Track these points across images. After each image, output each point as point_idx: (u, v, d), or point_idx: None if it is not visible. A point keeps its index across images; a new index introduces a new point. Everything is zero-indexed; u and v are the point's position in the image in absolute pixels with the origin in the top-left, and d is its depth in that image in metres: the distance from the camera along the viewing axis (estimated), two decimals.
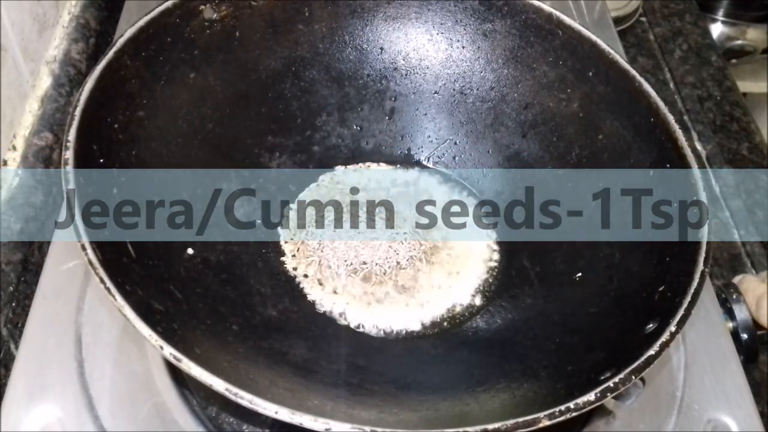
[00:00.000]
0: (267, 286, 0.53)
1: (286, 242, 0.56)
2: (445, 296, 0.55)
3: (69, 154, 0.42)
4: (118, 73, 0.48)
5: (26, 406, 0.47)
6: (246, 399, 0.35)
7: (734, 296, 0.59)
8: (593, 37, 0.56)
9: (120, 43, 0.49)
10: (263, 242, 0.56)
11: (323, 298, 0.53)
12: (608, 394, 0.38)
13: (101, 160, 0.45)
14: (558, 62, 0.57)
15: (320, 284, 0.54)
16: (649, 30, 0.96)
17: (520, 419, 0.36)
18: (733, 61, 1.11)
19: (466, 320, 0.54)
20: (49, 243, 0.56)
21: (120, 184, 0.46)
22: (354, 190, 0.60)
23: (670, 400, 0.52)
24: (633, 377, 0.39)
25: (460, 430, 0.35)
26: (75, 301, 0.52)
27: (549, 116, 0.58)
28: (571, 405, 0.37)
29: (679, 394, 0.52)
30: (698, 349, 0.55)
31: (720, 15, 1.14)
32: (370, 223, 0.56)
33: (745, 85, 1.00)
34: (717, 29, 1.14)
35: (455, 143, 0.62)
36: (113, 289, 0.38)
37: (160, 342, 0.37)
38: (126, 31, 0.50)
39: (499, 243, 0.58)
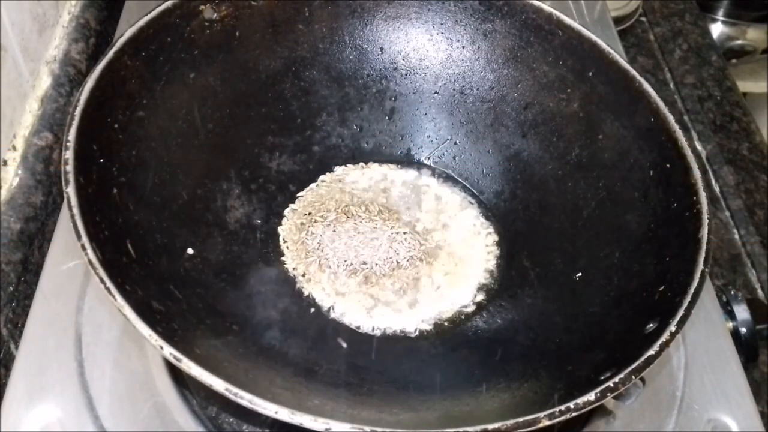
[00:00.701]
0: (267, 286, 0.53)
1: (285, 242, 0.56)
2: (445, 296, 0.55)
3: (69, 154, 0.42)
4: (118, 73, 0.48)
5: (26, 406, 0.47)
6: (246, 399, 0.36)
7: (734, 296, 0.59)
8: (593, 37, 0.56)
9: (120, 43, 0.49)
10: (263, 242, 0.56)
11: (323, 298, 0.53)
12: (608, 394, 0.38)
13: (101, 160, 0.46)
14: (558, 62, 0.57)
15: (320, 284, 0.54)
16: (649, 30, 0.96)
17: (520, 419, 0.36)
18: (733, 61, 1.11)
19: (466, 320, 0.54)
20: (49, 243, 0.56)
21: (120, 184, 0.46)
22: (354, 190, 0.60)
23: (670, 400, 0.52)
24: (633, 377, 0.39)
25: (460, 430, 0.35)
26: (75, 301, 0.52)
27: (549, 116, 0.58)
28: (571, 405, 0.37)
29: (679, 394, 0.52)
30: (698, 349, 0.55)
31: (720, 15, 1.14)
32: (370, 223, 0.56)
33: (745, 85, 1.00)
34: (717, 29, 1.14)
35: (455, 143, 0.62)
36: (113, 289, 0.38)
37: (160, 342, 0.37)
38: (126, 31, 0.50)
39: (499, 243, 0.58)
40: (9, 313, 0.54)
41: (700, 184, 0.48)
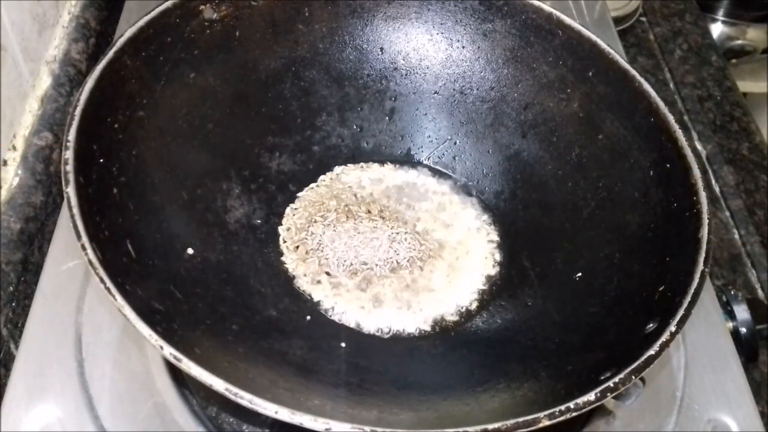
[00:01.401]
0: (267, 286, 0.53)
1: (285, 242, 0.56)
2: (445, 296, 0.55)
3: (69, 154, 0.42)
4: (118, 73, 0.48)
5: (26, 406, 0.47)
6: (246, 399, 0.36)
7: (734, 296, 0.59)
8: (593, 37, 0.56)
9: (120, 43, 0.49)
10: (263, 242, 0.56)
11: (323, 298, 0.53)
12: (608, 394, 0.38)
13: (101, 160, 0.46)
14: (558, 62, 0.57)
15: (320, 284, 0.54)
16: (649, 30, 0.96)
17: (520, 419, 0.36)
18: (733, 61, 1.11)
19: (466, 320, 0.54)
20: (49, 243, 0.56)
21: (120, 184, 0.46)
22: (354, 190, 0.60)
23: (670, 400, 0.52)
24: (633, 377, 0.39)
25: (460, 430, 0.35)
26: (75, 301, 0.52)
27: (549, 116, 0.58)
28: (571, 405, 0.37)
29: (679, 394, 0.52)
30: (698, 349, 0.55)
31: (720, 15, 1.14)
32: (370, 223, 0.56)
33: (745, 85, 1.00)
34: (717, 29, 1.14)
35: (455, 143, 0.62)
36: (113, 289, 0.38)
37: (160, 342, 0.37)
38: (126, 31, 0.50)
39: (499, 243, 0.58)
40: (9, 313, 0.54)
41: (700, 184, 0.48)
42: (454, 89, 0.62)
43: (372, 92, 0.62)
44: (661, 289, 0.46)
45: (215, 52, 0.55)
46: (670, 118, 0.52)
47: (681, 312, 0.42)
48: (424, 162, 0.63)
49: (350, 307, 0.53)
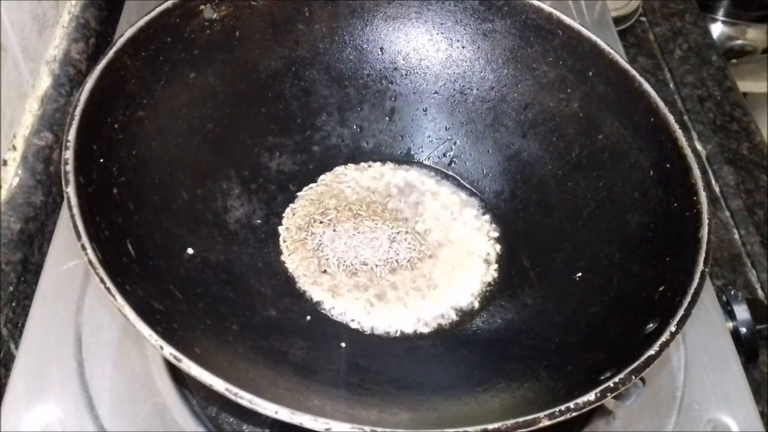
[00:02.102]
0: (267, 286, 0.53)
1: (285, 242, 0.56)
2: (444, 296, 0.55)
3: (69, 154, 0.42)
4: (118, 73, 0.48)
5: (26, 406, 0.47)
6: (246, 399, 0.36)
7: (734, 296, 0.59)
8: (593, 37, 0.56)
9: (120, 43, 0.49)
10: (263, 242, 0.56)
11: (323, 298, 0.53)
12: (608, 394, 0.38)
13: (101, 160, 0.46)
14: (558, 62, 0.57)
15: (320, 284, 0.54)
16: (649, 30, 0.96)
17: (520, 419, 0.36)
18: (733, 61, 1.11)
19: (466, 320, 0.54)
20: (49, 243, 0.56)
21: (120, 184, 0.46)
22: (354, 190, 0.60)
23: (670, 400, 0.52)
24: (633, 377, 0.39)
25: (460, 430, 0.35)
26: (75, 301, 0.52)
27: (549, 116, 0.58)
28: (571, 405, 0.37)
29: (679, 394, 0.52)
30: (698, 349, 0.55)
31: (720, 15, 1.14)
32: (370, 223, 0.56)
33: (745, 85, 1.00)
34: (717, 29, 1.14)
35: (455, 143, 0.62)
36: (113, 289, 0.38)
37: (160, 342, 0.37)
38: (126, 31, 0.50)
39: (499, 243, 0.58)
40: (9, 313, 0.54)
41: (700, 184, 0.48)
42: (454, 89, 0.62)
43: (372, 92, 0.62)
44: (661, 289, 0.46)
45: (215, 52, 0.55)
46: (670, 118, 0.52)
47: (681, 312, 0.42)
48: (424, 162, 0.63)
49: (350, 307, 0.53)
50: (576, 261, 0.53)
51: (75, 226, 0.40)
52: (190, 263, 0.49)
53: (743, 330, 0.58)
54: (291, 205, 0.59)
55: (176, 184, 0.52)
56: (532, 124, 0.59)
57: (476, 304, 0.55)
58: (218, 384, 0.36)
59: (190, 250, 0.50)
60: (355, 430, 0.35)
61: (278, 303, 0.52)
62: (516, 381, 0.46)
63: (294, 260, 0.55)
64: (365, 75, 0.62)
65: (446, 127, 0.62)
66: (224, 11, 0.55)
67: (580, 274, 0.53)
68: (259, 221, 0.56)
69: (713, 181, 0.80)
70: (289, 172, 0.60)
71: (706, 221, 0.46)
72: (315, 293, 0.53)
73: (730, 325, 0.58)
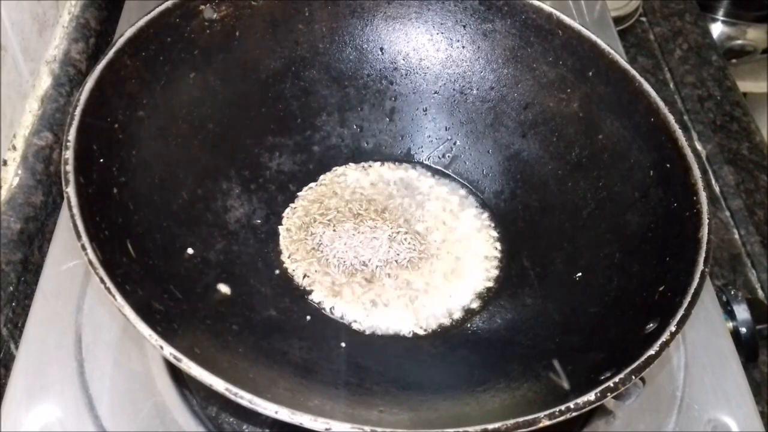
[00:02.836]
0: (267, 286, 0.53)
1: (285, 242, 0.56)
2: (445, 296, 0.55)
3: (69, 154, 0.42)
4: (118, 73, 0.48)
5: (26, 406, 0.47)
6: (246, 399, 0.36)
7: (734, 296, 0.59)
8: (593, 37, 0.56)
9: (120, 43, 0.49)
10: (263, 242, 0.56)
11: (323, 298, 0.53)
12: (608, 394, 0.38)
13: (101, 160, 0.46)
14: (558, 62, 0.57)
15: (320, 284, 0.54)
16: (649, 30, 0.96)
17: (520, 419, 0.36)
18: (733, 61, 1.11)
19: (466, 320, 0.54)
20: (49, 243, 0.56)
21: (120, 184, 0.46)
22: (354, 190, 0.60)
23: (670, 400, 0.52)
24: (633, 377, 0.39)
25: (460, 430, 0.35)
26: (75, 301, 0.52)
27: (549, 116, 0.58)
28: (571, 405, 0.37)
29: (679, 394, 0.52)
30: (698, 349, 0.55)
31: (720, 15, 1.14)
32: (370, 223, 0.56)
33: (745, 85, 1.00)
34: (717, 29, 1.14)
35: (455, 143, 0.62)
36: (113, 289, 0.38)
37: (160, 342, 0.37)
38: (126, 31, 0.50)
39: (499, 243, 0.58)
40: (9, 313, 0.54)
41: (700, 184, 0.48)
42: (454, 89, 0.62)
43: (372, 92, 0.62)
44: (661, 289, 0.46)
45: (215, 52, 0.55)
46: (670, 118, 0.51)
47: (681, 312, 0.42)
48: (424, 162, 0.63)
49: (350, 307, 0.53)
50: (576, 261, 0.53)
51: (75, 226, 0.40)
52: (190, 263, 0.49)
53: (743, 330, 0.58)
54: (291, 205, 0.59)
55: (176, 184, 0.52)
56: (532, 124, 0.59)
57: (476, 304, 0.55)
58: (218, 384, 0.36)
59: (190, 250, 0.50)
60: (355, 430, 0.35)
61: (278, 303, 0.52)
62: (516, 381, 0.46)
63: (294, 260, 0.55)
64: (365, 75, 0.62)
65: (446, 127, 0.62)
66: (224, 11, 0.55)
67: (580, 274, 0.53)
68: (259, 221, 0.56)
69: (713, 181, 0.80)
70: (289, 172, 0.60)
71: (706, 221, 0.46)
72: (315, 293, 0.53)
73: (730, 325, 0.58)
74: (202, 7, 0.54)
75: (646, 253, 0.49)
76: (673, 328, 0.41)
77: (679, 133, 0.51)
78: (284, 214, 0.58)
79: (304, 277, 0.54)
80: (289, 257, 0.55)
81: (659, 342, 0.40)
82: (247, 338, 0.47)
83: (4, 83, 0.57)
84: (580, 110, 0.57)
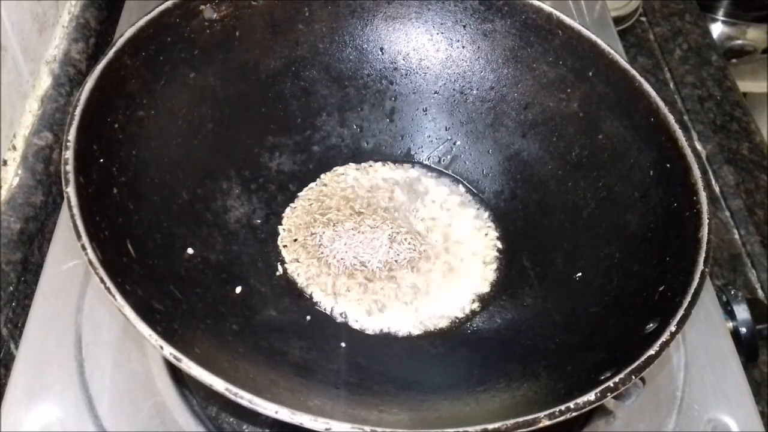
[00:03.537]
0: (267, 286, 0.53)
1: (285, 242, 0.56)
2: (444, 296, 0.55)
3: (69, 154, 0.42)
4: (118, 73, 0.48)
5: (26, 406, 0.47)
6: (246, 399, 0.36)
7: (734, 296, 0.59)
8: (593, 37, 0.56)
9: (120, 43, 0.49)
10: (263, 242, 0.56)
11: (323, 298, 0.53)
12: (608, 394, 0.38)
13: (101, 160, 0.46)
14: (558, 62, 0.57)
15: (320, 284, 0.54)
16: (649, 30, 0.96)
17: (520, 419, 0.36)
18: (733, 61, 1.11)
19: (466, 320, 0.54)
20: (49, 243, 0.56)
21: (120, 184, 0.46)
22: (354, 190, 0.60)
23: (670, 400, 0.52)
24: (633, 377, 0.39)
25: (460, 430, 0.35)
26: (75, 301, 0.52)
27: (549, 116, 0.58)
28: (571, 405, 0.37)
29: (679, 394, 0.52)
30: (698, 349, 0.55)
31: (720, 15, 1.14)
32: (370, 223, 0.56)
33: (745, 85, 1.00)
34: (717, 29, 1.14)
35: (455, 143, 0.62)
36: (113, 289, 0.38)
37: (160, 342, 0.37)
38: (126, 31, 0.50)
39: (499, 243, 0.58)
40: (9, 313, 0.54)
41: (700, 184, 0.48)
42: (454, 89, 0.62)
43: (372, 92, 0.62)
44: (661, 289, 0.46)
45: (215, 52, 0.55)
46: (670, 118, 0.51)
47: (681, 312, 0.42)
48: (424, 162, 0.63)
49: (350, 307, 0.53)
50: (576, 261, 0.53)
51: (75, 226, 0.40)
52: (190, 263, 0.49)
53: (743, 330, 0.58)
54: (291, 205, 0.59)
55: (176, 184, 0.52)
56: (532, 124, 0.59)
57: (476, 304, 0.55)
58: (218, 384, 0.36)
59: (190, 250, 0.50)
60: (355, 430, 0.35)
61: (278, 303, 0.52)
62: (516, 381, 0.46)
63: (294, 260, 0.55)
64: (365, 75, 0.62)
65: (446, 127, 0.62)
66: (224, 11, 0.55)
67: (580, 274, 0.53)
68: (259, 221, 0.56)
69: (713, 181, 0.80)
70: (289, 172, 0.60)
71: (706, 221, 0.46)
72: (315, 293, 0.53)
73: (730, 325, 0.58)
74: (202, 7, 0.54)
75: (646, 253, 0.49)
76: (673, 328, 0.41)
77: (679, 133, 0.51)
78: (284, 214, 0.58)
79: (304, 276, 0.54)
80: (289, 257, 0.55)
81: (659, 342, 0.40)
82: (247, 338, 0.47)
83: (4, 83, 0.57)
84: (580, 110, 0.57)
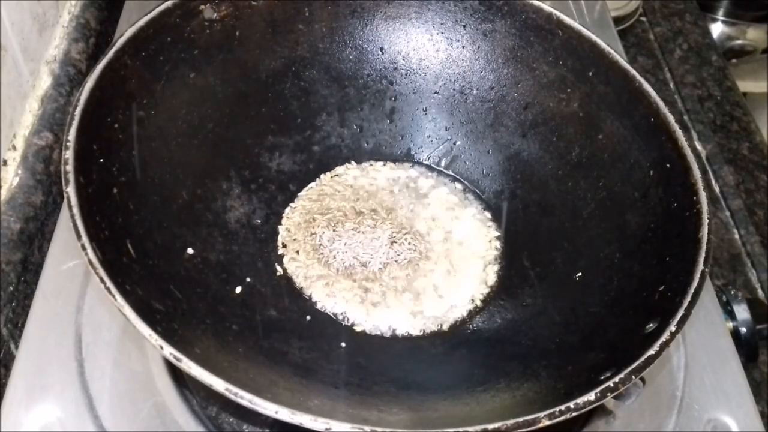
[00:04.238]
0: (267, 286, 0.53)
1: (285, 242, 0.56)
2: (444, 296, 0.55)
3: (69, 154, 0.42)
4: (118, 73, 0.48)
5: (26, 406, 0.47)
6: (246, 399, 0.36)
7: (734, 296, 0.59)
8: (593, 37, 0.56)
9: (120, 43, 0.49)
10: (263, 242, 0.56)
11: (323, 298, 0.53)
12: (608, 394, 0.38)
13: (101, 160, 0.46)
14: (558, 62, 0.57)
15: (320, 284, 0.54)
16: (649, 30, 0.96)
17: (520, 419, 0.36)
18: (733, 61, 1.11)
19: (467, 320, 0.54)
20: (49, 243, 0.56)
21: (120, 184, 0.46)
22: (354, 190, 0.60)
23: (670, 400, 0.52)
24: (633, 377, 0.39)
25: (460, 430, 0.35)
26: (75, 301, 0.52)
27: (549, 116, 0.58)
28: (571, 405, 0.37)
29: (679, 394, 0.52)
30: (698, 349, 0.55)
31: (720, 15, 1.14)
32: (371, 223, 0.56)
33: (745, 85, 1.00)
34: (717, 29, 1.14)
35: (455, 143, 0.62)
36: (113, 289, 0.38)
37: (160, 342, 0.37)
38: (126, 31, 0.50)
39: (498, 243, 0.58)
40: (9, 313, 0.54)
41: (700, 184, 0.48)
42: (454, 89, 0.62)
43: (372, 92, 0.62)
44: (661, 289, 0.46)
45: (215, 52, 0.55)
46: (670, 118, 0.51)
47: (681, 312, 0.42)
48: (424, 162, 0.63)
49: (350, 307, 0.53)
50: (576, 261, 0.53)
51: (75, 226, 0.40)
52: (190, 263, 0.49)
53: (743, 330, 0.58)
54: (291, 204, 0.59)
55: (176, 184, 0.52)
56: (532, 124, 0.59)
57: (476, 304, 0.55)
58: (218, 384, 0.36)
59: (190, 250, 0.50)
60: (355, 430, 0.35)
61: (278, 303, 0.52)
62: (516, 381, 0.46)
63: (294, 260, 0.55)
64: (365, 75, 0.62)
65: (446, 127, 0.62)
66: (224, 11, 0.55)
67: (580, 274, 0.53)
68: (259, 221, 0.56)
69: (713, 181, 0.80)
70: (289, 172, 0.60)
71: (706, 221, 0.46)
72: (315, 293, 0.53)
73: (730, 325, 0.58)
74: (202, 7, 0.54)
75: (646, 253, 0.49)
76: (673, 328, 0.41)
77: (679, 133, 0.51)
78: (284, 214, 0.58)
79: (304, 277, 0.54)
80: (289, 257, 0.55)
81: (659, 342, 0.40)
82: (247, 338, 0.47)
83: (4, 83, 0.57)
84: (580, 110, 0.57)
